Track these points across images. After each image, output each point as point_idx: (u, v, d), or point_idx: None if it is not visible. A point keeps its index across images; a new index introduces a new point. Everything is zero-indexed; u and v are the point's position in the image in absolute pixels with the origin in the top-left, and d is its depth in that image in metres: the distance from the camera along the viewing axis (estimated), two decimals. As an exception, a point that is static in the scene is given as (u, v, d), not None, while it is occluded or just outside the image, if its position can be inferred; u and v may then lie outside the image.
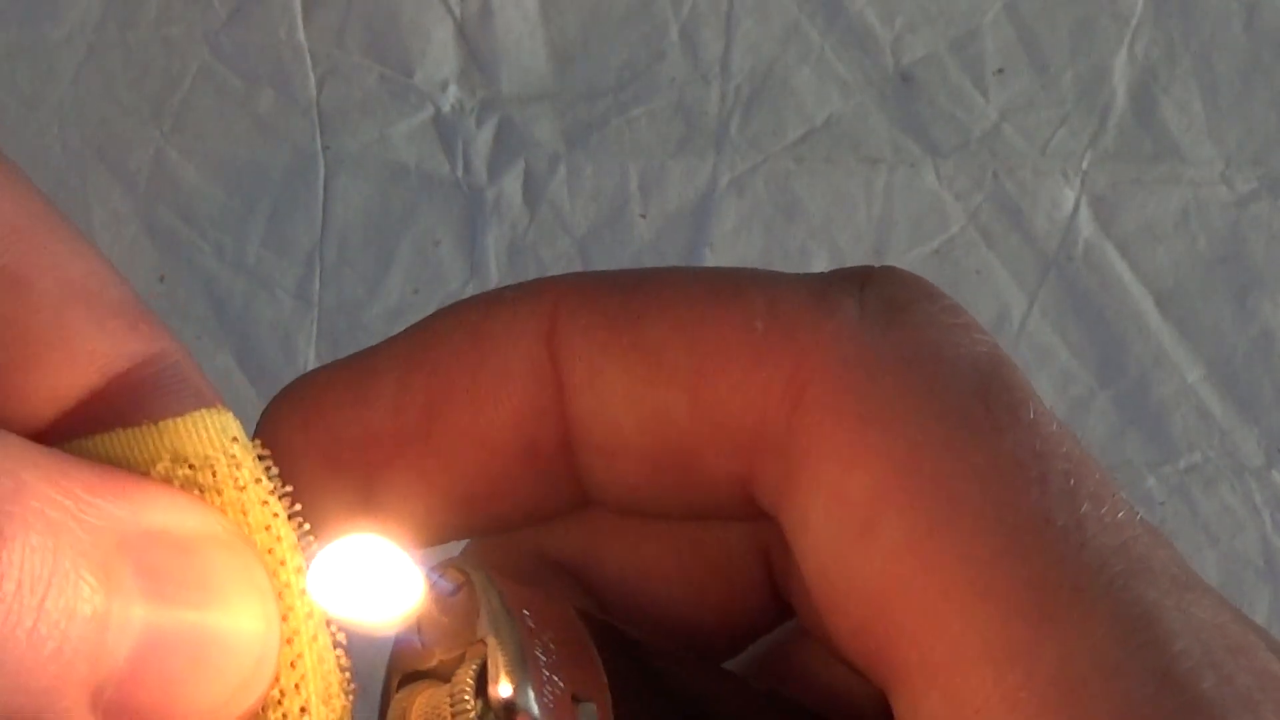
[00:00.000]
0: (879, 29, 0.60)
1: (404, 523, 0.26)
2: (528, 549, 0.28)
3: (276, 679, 0.24)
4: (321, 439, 0.26)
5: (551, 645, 0.24)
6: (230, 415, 0.25)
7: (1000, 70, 0.60)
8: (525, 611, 0.24)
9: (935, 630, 0.23)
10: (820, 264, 0.59)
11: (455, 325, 0.27)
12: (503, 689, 0.23)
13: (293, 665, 0.24)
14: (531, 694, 0.23)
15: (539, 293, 0.27)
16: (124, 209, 0.58)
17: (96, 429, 0.24)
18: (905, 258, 0.59)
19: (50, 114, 0.59)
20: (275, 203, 0.59)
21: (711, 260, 0.59)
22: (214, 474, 0.24)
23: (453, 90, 0.59)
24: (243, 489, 0.24)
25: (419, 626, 0.25)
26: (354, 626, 0.25)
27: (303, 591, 0.24)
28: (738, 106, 0.59)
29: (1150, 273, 0.59)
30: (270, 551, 0.24)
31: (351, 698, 0.25)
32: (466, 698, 0.24)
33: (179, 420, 0.24)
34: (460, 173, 0.59)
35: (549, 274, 0.59)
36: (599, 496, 0.27)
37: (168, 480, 0.24)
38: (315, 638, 0.24)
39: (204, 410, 0.25)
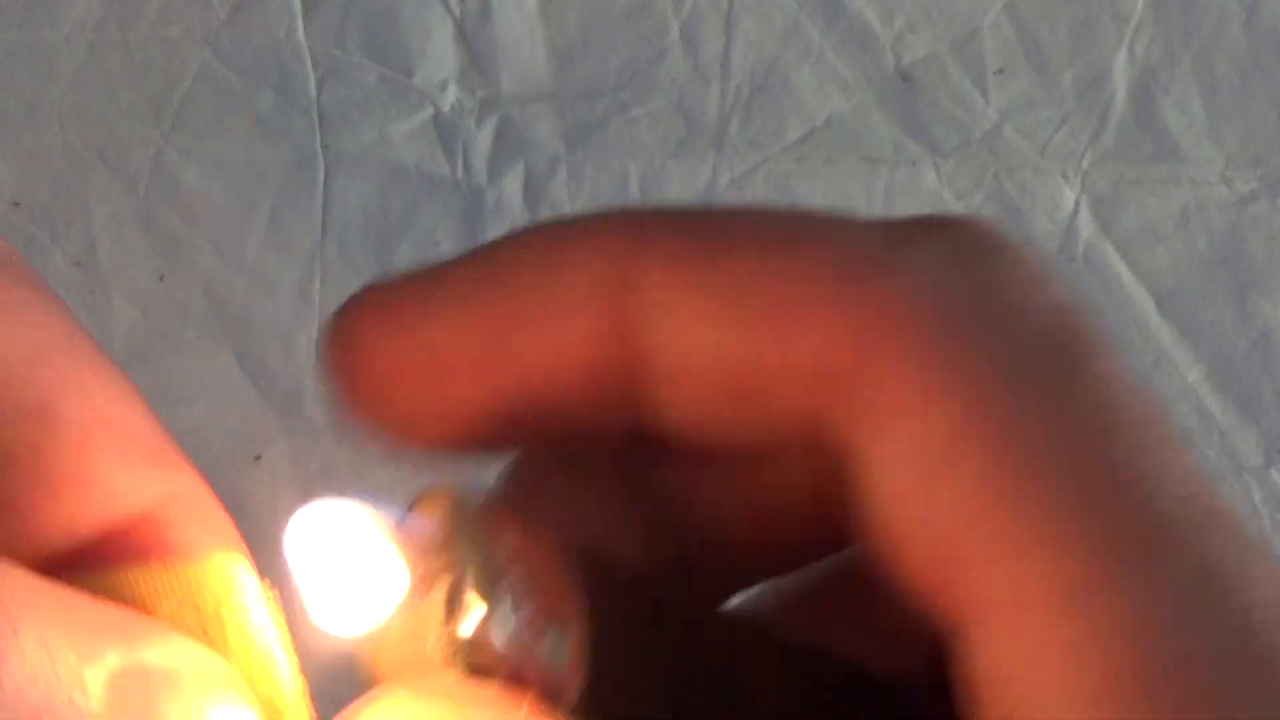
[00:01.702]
0: (879, 29, 0.60)
1: (458, 438, 0.26)
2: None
3: None
4: (388, 349, 0.26)
5: (525, 574, 0.24)
6: (241, 560, 0.25)
7: (1000, 70, 0.60)
8: (501, 538, 0.24)
9: (1001, 573, 0.22)
10: (820, 264, 0.59)
11: (527, 247, 0.26)
12: (468, 615, 0.23)
13: None
14: (496, 621, 0.23)
15: (614, 221, 0.26)
16: (124, 209, 0.58)
17: (108, 565, 0.24)
18: (905, 258, 0.59)
19: (50, 114, 0.59)
20: (275, 203, 0.59)
21: (711, 260, 0.59)
22: (220, 620, 0.24)
23: (453, 90, 0.59)
24: (247, 637, 0.24)
25: (407, 563, 0.25)
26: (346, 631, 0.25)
27: None
28: (738, 106, 0.59)
29: (1150, 273, 0.59)
30: (270, 701, 0.24)
31: None
32: (437, 616, 0.24)
33: (189, 563, 0.24)
34: (460, 173, 0.59)
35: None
36: (659, 429, 0.27)
37: (171, 622, 0.24)
38: None
39: (215, 555, 0.24)
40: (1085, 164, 0.59)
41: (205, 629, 0.24)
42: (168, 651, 0.23)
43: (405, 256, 0.59)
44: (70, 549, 0.24)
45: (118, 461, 0.24)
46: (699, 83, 0.59)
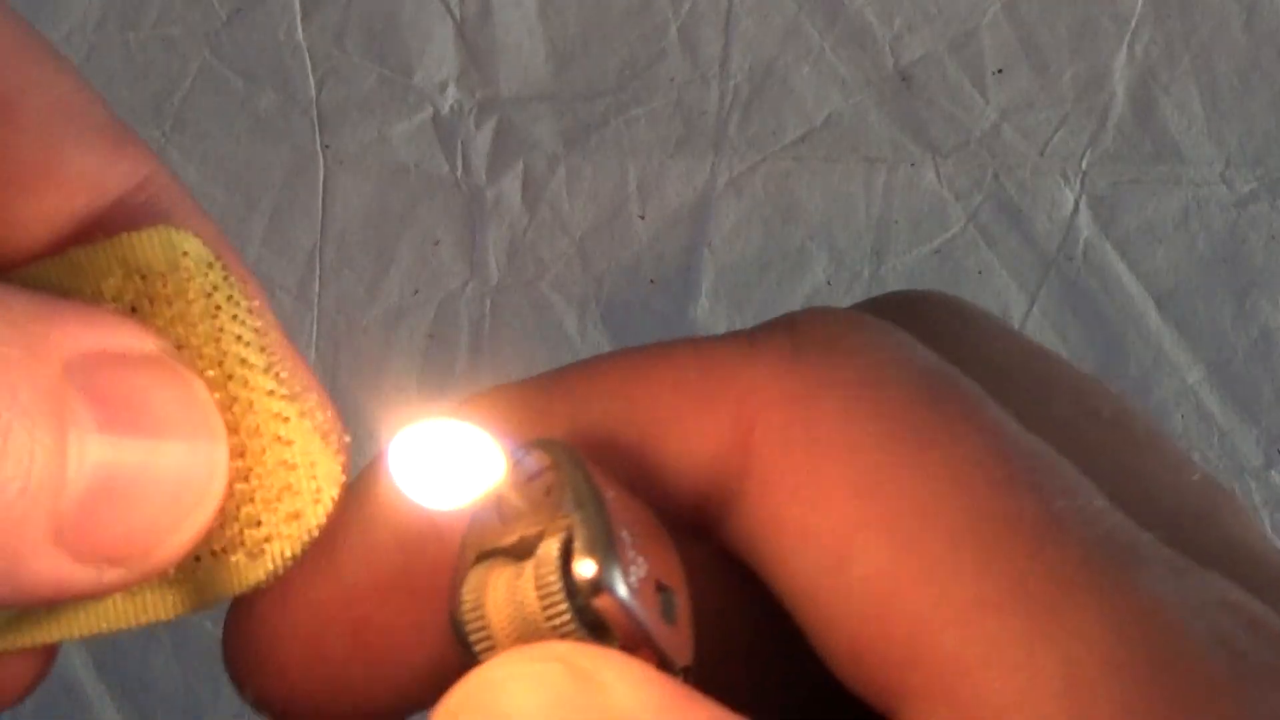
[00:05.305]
0: (878, 28, 0.60)
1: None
2: None
3: (231, 491, 0.24)
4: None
5: (636, 529, 0.23)
6: (187, 234, 0.24)
7: (1000, 70, 0.60)
8: (611, 493, 0.23)
9: (931, 647, 0.22)
10: (820, 264, 0.59)
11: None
12: (588, 565, 0.22)
13: (246, 477, 0.24)
14: (618, 572, 0.22)
15: (476, 403, 0.26)
16: (124, 209, 0.58)
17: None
18: (905, 258, 0.59)
19: (50, 114, 0.59)
20: (275, 203, 0.59)
21: (711, 260, 0.59)
22: (166, 285, 0.24)
23: (452, 91, 0.59)
24: (192, 301, 0.24)
25: (499, 503, 0.24)
26: (434, 510, 0.24)
27: (253, 402, 0.24)
28: (737, 106, 0.59)
29: (1150, 273, 0.59)
30: (220, 362, 0.24)
31: (326, 507, 0.24)
32: (553, 575, 0.23)
33: (131, 235, 0.24)
34: (460, 173, 0.59)
35: (549, 274, 0.59)
36: None
37: (120, 295, 0.24)
38: (278, 437, 0.24)
39: (159, 226, 0.24)
40: (1085, 164, 0.59)
41: (151, 296, 0.24)
42: (102, 332, 0.22)
43: (405, 256, 0.59)
44: (51, 239, 0.24)
45: (81, 146, 0.24)
46: (698, 83, 0.59)
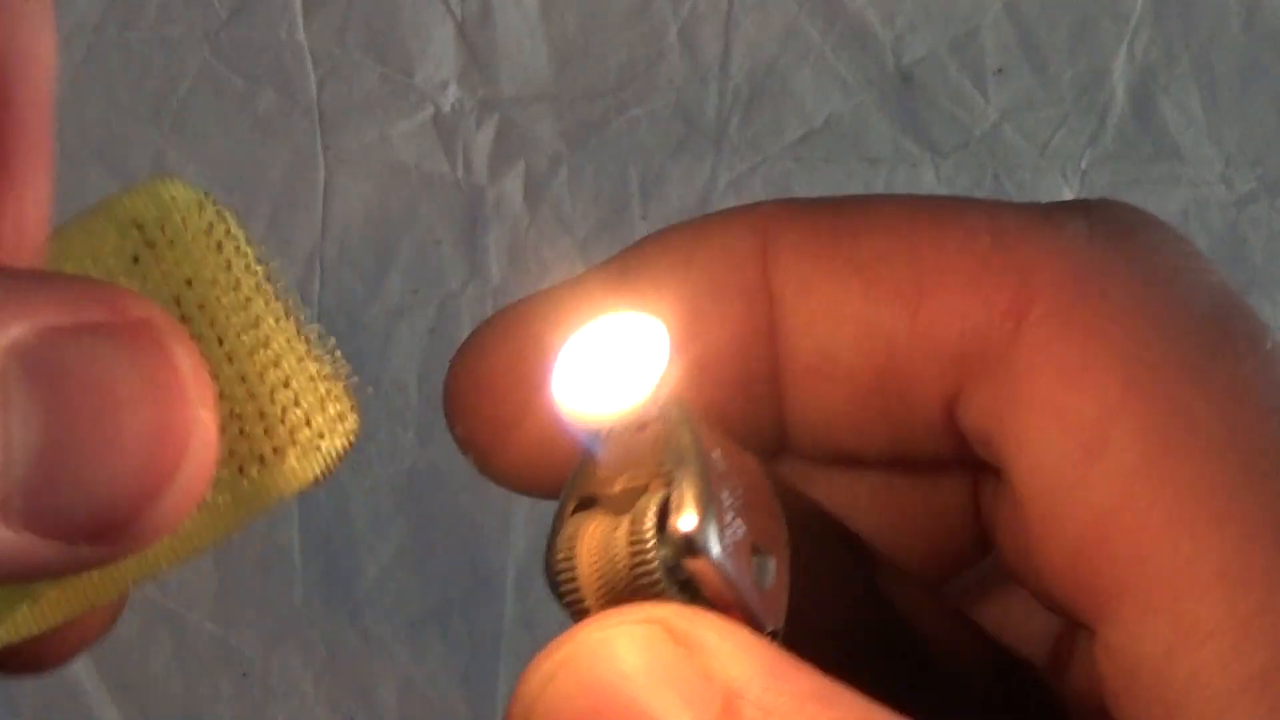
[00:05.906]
0: (879, 29, 0.60)
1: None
2: None
3: (273, 398, 0.25)
4: (516, 370, 0.26)
5: (739, 490, 0.23)
6: (172, 180, 0.25)
7: (1000, 70, 0.60)
8: (717, 453, 0.23)
9: (1164, 553, 0.22)
10: (820, 264, 0.59)
11: (664, 251, 0.26)
12: (684, 522, 0.22)
13: (288, 383, 0.25)
14: (713, 533, 0.22)
15: (750, 214, 0.26)
16: (124, 209, 0.58)
17: None
18: (905, 258, 0.59)
19: (51, 114, 0.59)
20: (275, 203, 0.59)
21: (711, 260, 0.59)
22: (164, 229, 0.25)
23: (453, 90, 0.59)
24: (194, 240, 0.25)
25: (606, 442, 0.24)
26: (560, 409, 0.24)
27: (280, 318, 0.25)
28: (737, 107, 0.59)
29: (1150, 273, 0.59)
30: (236, 286, 0.25)
31: (345, 439, 0.25)
32: (647, 531, 0.22)
33: (118, 195, 0.25)
34: (460, 173, 0.59)
35: (551, 275, 0.59)
36: (799, 436, 0.27)
37: (120, 251, 0.25)
38: (308, 351, 0.25)
39: (144, 182, 0.25)
40: (1084, 164, 0.59)
41: (152, 243, 0.25)
42: (60, 309, 0.22)
43: (405, 256, 0.59)
44: None
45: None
46: (698, 83, 0.59)
